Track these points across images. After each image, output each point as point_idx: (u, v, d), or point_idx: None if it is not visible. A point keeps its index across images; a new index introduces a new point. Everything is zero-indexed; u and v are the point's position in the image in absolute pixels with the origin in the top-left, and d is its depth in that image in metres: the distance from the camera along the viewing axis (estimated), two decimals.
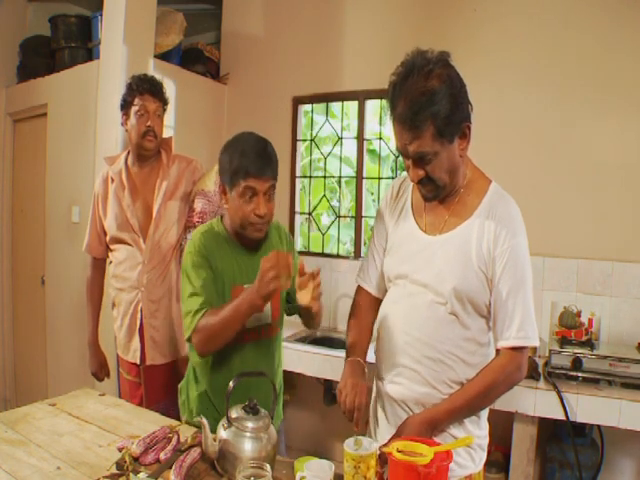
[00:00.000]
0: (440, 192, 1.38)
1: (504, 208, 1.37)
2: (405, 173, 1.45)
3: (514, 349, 1.33)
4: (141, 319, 2.27)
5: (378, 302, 1.57)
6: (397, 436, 1.31)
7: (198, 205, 2.29)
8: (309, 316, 1.66)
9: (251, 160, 1.53)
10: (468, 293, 1.35)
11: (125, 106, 2.28)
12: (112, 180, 2.32)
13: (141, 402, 2.24)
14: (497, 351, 1.38)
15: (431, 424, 1.33)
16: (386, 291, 1.55)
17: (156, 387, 2.30)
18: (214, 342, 1.54)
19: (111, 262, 2.38)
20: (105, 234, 2.36)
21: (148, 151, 2.29)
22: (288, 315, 1.82)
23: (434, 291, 1.37)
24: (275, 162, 1.59)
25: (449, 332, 1.37)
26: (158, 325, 2.29)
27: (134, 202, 2.29)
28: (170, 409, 2.16)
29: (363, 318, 1.58)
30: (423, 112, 1.25)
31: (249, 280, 1.54)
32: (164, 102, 2.33)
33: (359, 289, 1.63)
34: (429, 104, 1.25)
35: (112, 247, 2.35)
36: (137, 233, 2.26)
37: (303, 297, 1.48)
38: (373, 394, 1.58)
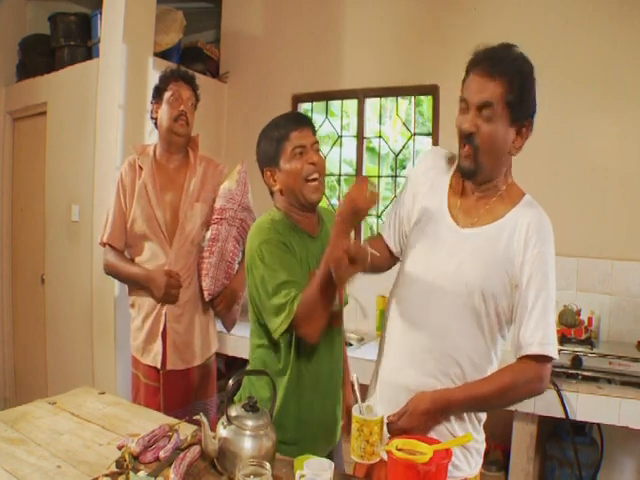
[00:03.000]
0: (477, 171, 1.36)
1: (536, 216, 1.36)
2: (452, 151, 1.47)
3: (535, 360, 1.29)
4: (164, 323, 2.19)
5: (392, 256, 1.56)
6: (405, 410, 1.32)
7: (218, 202, 2.22)
8: None
9: (289, 121, 1.61)
10: (490, 295, 1.33)
11: (157, 95, 2.22)
12: (140, 169, 2.23)
13: (158, 408, 2.13)
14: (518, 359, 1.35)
15: (443, 404, 1.32)
16: (402, 250, 1.53)
17: (175, 393, 2.22)
18: (319, 318, 1.47)
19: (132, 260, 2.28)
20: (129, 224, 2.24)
21: (179, 137, 2.21)
22: None
23: (455, 285, 1.35)
24: (311, 120, 1.67)
25: (462, 326, 1.35)
26: (181, 330, 2.21)
27: (162, 198, 2.22)
28: (188, 416, 2.11)
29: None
30: (510, 67, 1.28)
31: (318, 265, 1.53)
32: (197, 95, 2.27)
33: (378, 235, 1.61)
34: (518, 70, 1.29)
35: (134, 244, 2.25)
36: (163, 231, 2.19)
37: None
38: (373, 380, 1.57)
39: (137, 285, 2.23)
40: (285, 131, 1.58)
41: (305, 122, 1.63)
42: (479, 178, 1.38)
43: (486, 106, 1.29)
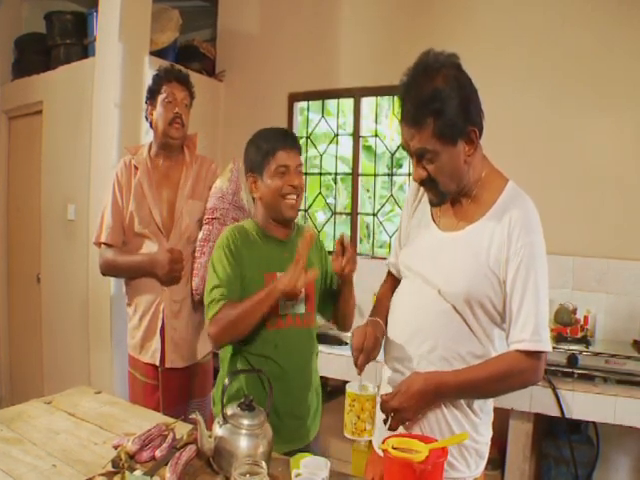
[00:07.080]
0: (445, 197, 1.38)
1: (519, 206, 1.33)
2: None
3: (528, 354, 1.28)
4: (162, 319, 2.19)
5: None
6: (398, 390, 1.33)
7: (210, 202, 2.22)
8: (344, 312, 1.85)
9: (278, 139, 1.69)
10: (478, 298, 1.32)
11: (151, 96, 2.22)
12: (136, 168, 2.24)
13: (157, 406, 2.14)
14: None
15: (436, 384, 1.31)
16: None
17: (174, 391, 2.22)
18: (230, 332, 1.60)
19: None
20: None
21: (175, 140, 2.21)
22: (322, 314, 1.89)
23: (441, 290, 1.36)
24: (299, 141, 1.76)
25: (451, 331, 1.35)
26: (179, 327, 2.21)
27: (158, 196, 2.23)
28: (186, 414, 2.10)
29: (386, 295, 1.60)
30: (424, 108, 1.26)
31: (281, 268, 1.63)
32: (191, 94, 2.27)
33: (388, 272, 1.67)
34: (431, 101, 1.26)
35: (129, 242, 2.24)
36: (160, 228, 2.19)
37: (337, 264, 1.63)
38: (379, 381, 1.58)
39: (141, 273, 2.21)
40: (273, 147, 1.66)
41: (294, 143, 1.71)
42: (448, 200, 1.41)
43: (422, 152, 1.31)
